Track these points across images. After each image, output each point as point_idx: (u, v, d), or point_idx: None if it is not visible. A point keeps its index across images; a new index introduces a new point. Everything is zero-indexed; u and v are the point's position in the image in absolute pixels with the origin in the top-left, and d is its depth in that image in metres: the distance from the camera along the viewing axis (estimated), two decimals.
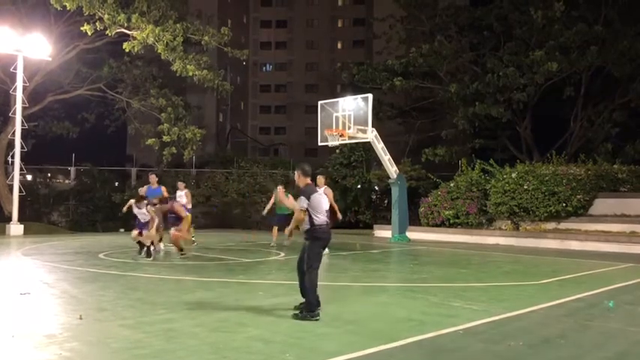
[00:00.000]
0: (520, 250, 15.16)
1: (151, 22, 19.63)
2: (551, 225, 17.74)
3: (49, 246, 14.68)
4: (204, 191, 24.72)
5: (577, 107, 28.40)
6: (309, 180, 6.61)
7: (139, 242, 12.06)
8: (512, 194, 18.06)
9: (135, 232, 12.06)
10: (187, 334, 5.47)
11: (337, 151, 24.96)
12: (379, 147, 18.34)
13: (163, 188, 13.29)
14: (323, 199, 6.55)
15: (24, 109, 20.22)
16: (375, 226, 22.21)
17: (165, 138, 22.69)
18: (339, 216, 12.90)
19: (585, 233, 16.64)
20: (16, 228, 18.81)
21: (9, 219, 19.42)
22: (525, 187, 17.87)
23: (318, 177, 13.46)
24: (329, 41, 60.45)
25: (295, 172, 6.77)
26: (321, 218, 6.40)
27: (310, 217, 6.37)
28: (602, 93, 27.94)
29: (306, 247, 6.41)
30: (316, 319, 6.05)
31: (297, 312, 6.23)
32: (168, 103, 23.62)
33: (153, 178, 13.62)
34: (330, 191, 13.03)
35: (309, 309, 6.15)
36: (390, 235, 18.85)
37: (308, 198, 6.38)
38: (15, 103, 19.74)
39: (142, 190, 12.92)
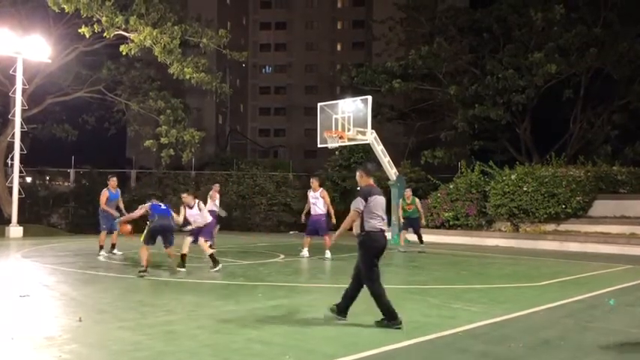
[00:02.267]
0: (520, 252, 15.16)
1: (149, 25, 19.64)
2: (550, 226, 17.74)
3: (48, 248, 14.66)
4: (204, 193, 24.68)
5: (576, 109, 28.42)
6: (371, 180, 6.22)
7: (211, 255, 10.29)
8: (512, 196, 18.06)
9: (195, 241, 10.35)
10: (187, 336, 5.47)
11: (337, 152, 24.97)
12: (379, 149, 18.35)
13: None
14: (382, 201, 6.04)
15: (23, 111, 20.22)
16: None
17: (163, 140, 22.68)
18: (333, 220, 12.83)
19: (585, 235, 16.64)
20: (15, 230, 18.78)
21: (8, 221, 19.39)
22: (525, 188, 17.87)
23: (311, 180, 13.48)
24: (328, 43, 60.53)
25: (357, 172, 6.36)
26: (373, 223, 5.92)
27: (362, 220, 5.93)
28: (601, 95, 27.96)
29: (358, 255, 6.02)
30: (398, 328, 5.74)
31: (379, 320, 5.94)
32: (167, 105, 23.60)
33: (113, 182, 13.02)
34: (326, 194, 13.07)
35: (388, 317, 5.86)
36: (389, 237, 18.82)
37: (365, 199, 5.92)
38: (14, 106, 19.74)
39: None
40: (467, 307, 7.02)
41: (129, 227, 10.27)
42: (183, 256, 10.16)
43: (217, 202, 14.24)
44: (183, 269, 10.00)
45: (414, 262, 13.00)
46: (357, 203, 5.94)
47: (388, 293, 6.02)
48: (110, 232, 12.77)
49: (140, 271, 9.47)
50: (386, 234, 6.08)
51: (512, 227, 18.42)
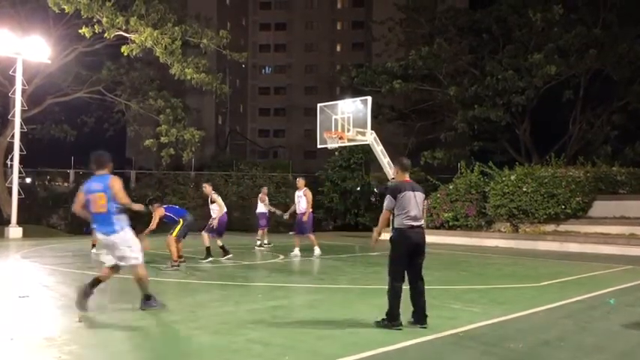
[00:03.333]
0: (519, 252, 15.15)
1: (150, 25, 19.64)
2: (550, 227, 17.74)
3: (48, 249, 14.66)
4: (203, 194, 24.66)
5: (576, 110, 28.45)
6: (406, 176, 6.04)
7: (207, 248, 11.56)
8: (512, 196, 18.06)
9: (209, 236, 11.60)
10: (187, 336, 5.46)
11: (336, 153, 24.97)
12: (378, 149, 18.35)
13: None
14: (413, 198, 5.84)
15: (23, 111, 20.22)
16: (374, 228, 22.18)
17: (163, 139, 22.68)
18: (304, 219, 12.93)
19: (584, 235, 16.63)
20: (15, 231, 18.78)
21: (8, 222, 19.40)
22: (524, 189, 17.87)
23: (297, 180, 13.67)
24: (328, 44, 60.52)
25: (393, 167, 6.18)
26: (402, 219, 5.80)
27: (393, 217, 5.85)
28: (600, 96, 28.00)
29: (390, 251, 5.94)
30: (398, 329, 5.66)
31: (379, 320, 5.85)
32: (166, 104, 23.61)
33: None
34: (309, 193, 13.16)
35: (390, 318, 5.76)
36: (389, 238, 18.82)
37: (394, 197, 5.80)
38: (14, 106, 19.74)
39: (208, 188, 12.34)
40: (467, 308, 7.02)
41: (148, 243, 9.78)
42: (208, 249, 11.49)
43: (267, 202, 16.18)
44: (210, 258, 11.39)
45: None
46: (386, 201, 5.88)
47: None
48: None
49: (172, 265, 10.19)
50: (418, 230, 5.89)
51: (511, 228, 18.41)
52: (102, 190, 6.24)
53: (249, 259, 12.68)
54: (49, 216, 24.67)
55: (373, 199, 26.50)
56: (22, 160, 19.75)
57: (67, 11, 18.89)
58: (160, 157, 23.72)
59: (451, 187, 20.01)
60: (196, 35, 21.70)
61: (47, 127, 26.45)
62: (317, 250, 12.99)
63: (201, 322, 6.08)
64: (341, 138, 17.59)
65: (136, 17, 19.54)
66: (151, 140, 23.32)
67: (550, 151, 23.06)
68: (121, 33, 19.83)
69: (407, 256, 5.88)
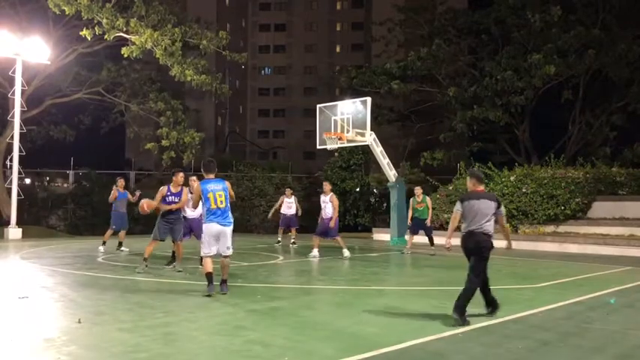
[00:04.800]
0: (519, 253, 15.14)
1: (150, 27, 19.64)
2: (549, 228, 17.74)
3: (47, 250, 14.66)
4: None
5: (575, 111, 28.46)
6: (480, 186, 6.62)
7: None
8: (511, 197, 18.07)
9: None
10: (186, 337, 5.46)
11: (336, 154, 24.99)
12: (378, 150, 18.36)
13: (129, 193, 14.47)
14: (479, 206, 6.38)
15: (23, 112, 20.22)
16: (373, 229, 22.19)
17: (164, 142, 22.68)
18: (332, 225, 12.93)
19: (584, 236, 16.64)
20: (14, 232, 18.78)
21: (7, 223, 19.39)
22: (524, 190, 17.88)
23: (324, 184, 13.70)
24: (328, 45, 60.53)
25: (468, 180, 6.73)
26: (463, 225, 6.43)
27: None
28: (600, 96, 28.01)
29: None
30: (461, 324, 6.01)
31: (488, 311, 6.56)
32: (166, 106, 23.61)
33: (121, 182, 14.56)
34: (335, 199, 13.19)
35: (458, 310, 6.15)
36: (388, 239, 18.84)
37: (461, 202, 6.46)
38: (14, 107, 19.74)
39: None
40: (466, 309, 7.00)
41: (145, 206, 10.03)
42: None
43: (294, 201, 16.74)
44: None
45: (414, 264, 13.01)
46: (455, 206, 6.57)
47: (387, 294, 6.00)
48: (118, 231, 13.93)
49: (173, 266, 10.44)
50: (475, 237, 6.49)
51: (511, 229, 18.40)
52: (222, 189, 7.73)
53: (249, 260, 12.68)
54: (49, 217, 24.68)
55: (372, 200, 26.51)
56: (22, 161, 19.76)
57: (67, 12, 18.89)
58: (160, 158, 23.72)
59: (451, 187, 20.01)
60: (196, 36, 21.71)
61: (45, 128, 26.45)
62: (346, 252, 13.11)
63: (200, 322, 6.09)
64: (340, 139, 17.61)
65: (136, 19, 19.55)
66: (152, 144, 23.32)
67: (549, 152, 23.07)
68: (121, 34, 19.83)
69: (467, 257, 6.70)
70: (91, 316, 6.30)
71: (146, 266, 9.96)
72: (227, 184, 7.90)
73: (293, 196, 17.03)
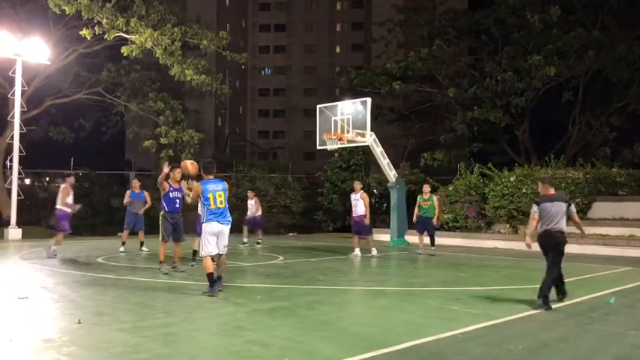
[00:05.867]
0: (519, 254, 15.14)
1: (150, 26, 19.64)
2: None
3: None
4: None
5: (575, 111, 28.45)
6: (550, 190, 7.55)
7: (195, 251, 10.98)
8: (511, 198, 18.06)
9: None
10: (186, 338, 5.46)
11: (336, 154, 24.99)
12: (378, 151, 18.36)
13: (146, 193, 14.61)
14: (552, 207, 7.22)
15: (22, 113, 20.21)
16: (373, 229, 22.18)
17: (162, 140, 22.68)
18: (367, 221, 13.47)
19: (584, 236, 16.60)
20: (14, 232, 18.77)
21: (7, 223, 19.39)
22: (524, 190, 17.87)
23: (355, 183, 14.31)
24: (328, 45, 60.53)
25: (540, 185, 7.73)
26: (541, 226, 7.31)
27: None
28: (600, 97, 27.99)
29: None
30: (545, 309, 6.90)
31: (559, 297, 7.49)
32: (166, 106, 23.62)
33: (136, 183, 14.88)
34: (366, 197, 13.70)
35: (543, 298, 7.04)
36: (388, 239, 18.84)
37: (537, 205, 7.39)
38: (14, 107, 19.74)
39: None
40: (466, 309, 7.02)
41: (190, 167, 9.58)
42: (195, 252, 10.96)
43: None
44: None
45: (414, 264, 13.01)
46: (532, 208, 7.47)
47: (387, 295, 6.00)
48: (134, 231, 14.23)
49: (173, 266, 10.35)
50: (551, 235, 7.24)
51: (511, 229, 18.40)
52: (222, 189, 7.92)
53: (248, 261, 12.67)
54: (49, 217, 24.63)
55: (373, 201, 26.50)
56: (22, 161, 19.75)
57: (67, 12, 18.89)
58: (160, 158, 23.71)
59: (451, 188, 20.01)
60: (196, 36, 21.71)
61: (44, 128, 26.44)
62: (374, 251, 13.69)
63: (200, 323, 6.09)
64: (340, 139, 17.59)
65: (136, 18, 19.55)
66: (151, 141, 23.32)
67: (549, 153, 23.05)
68: (121, 34, 19.83)
69: (544, 254, 7.48)
70: (90, 317, 6.30)
71: (174, 267, 10.19)
72: (225, 184, 8.10)
73: (255, 198, 17.41)
